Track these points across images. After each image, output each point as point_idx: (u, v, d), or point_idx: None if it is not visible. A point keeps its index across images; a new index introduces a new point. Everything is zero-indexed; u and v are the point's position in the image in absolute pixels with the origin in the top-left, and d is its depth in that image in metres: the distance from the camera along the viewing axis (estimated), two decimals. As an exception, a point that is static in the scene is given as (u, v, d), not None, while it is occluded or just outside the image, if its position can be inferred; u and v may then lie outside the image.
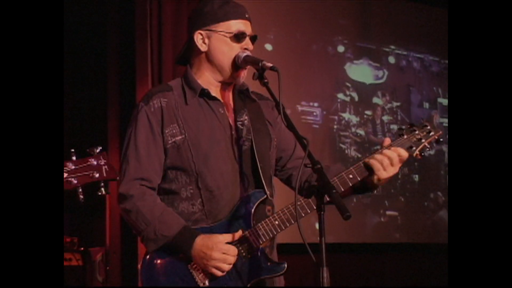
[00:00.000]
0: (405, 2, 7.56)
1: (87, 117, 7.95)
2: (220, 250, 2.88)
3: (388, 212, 7.22)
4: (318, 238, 2.54)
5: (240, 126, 3.08)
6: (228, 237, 2.93)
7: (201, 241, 2.89)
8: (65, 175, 2.79)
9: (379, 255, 6.98)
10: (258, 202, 2.99)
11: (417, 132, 3.04)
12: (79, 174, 2.82)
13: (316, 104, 6.90)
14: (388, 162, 2.93)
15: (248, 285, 2.92)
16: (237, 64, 3.04)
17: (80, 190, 2.83)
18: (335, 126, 7.00)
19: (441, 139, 3.06)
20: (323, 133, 6.91)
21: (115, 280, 6.30)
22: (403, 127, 3.06)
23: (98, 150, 2.88)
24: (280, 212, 2.97)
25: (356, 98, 7.17)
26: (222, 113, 3.08)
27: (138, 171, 3.01)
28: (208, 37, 3.08)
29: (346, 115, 7.09)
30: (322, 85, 6.98)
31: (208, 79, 3.10)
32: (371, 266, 6.89)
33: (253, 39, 3.11)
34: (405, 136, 3.03)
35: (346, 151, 7.02)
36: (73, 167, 2.82)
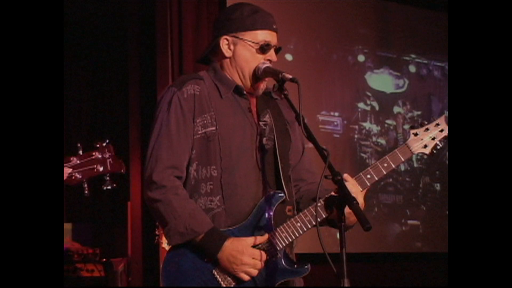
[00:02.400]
0: (425, 10, 7.54)
1: (108, 127, 8.00)
2: (250, 255, 2.87)
3: (409, 221, 7.18)
4: (339, 249, 2.55)
5: (263, 126, 3.09)
6: (254, 240, 2.91)
7: (230, 245, 2.87)
8: (70, 170, 2.78)
9: (401, 264, 6.95)
10: (277, 204, 2.98)
11: (429, 130, 3.10)
12: (83, 169, 2.81)
13: (336, 114, 6.90)
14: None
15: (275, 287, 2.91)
16: (256, 75, 3.05)
17: (86, 185, 2.82)
18: (355, 136, 6.99)
19: None
20: (343, 143, 6.90)
21: (137, 291, 6.33)
22: (416, 128, 3.11)
23: (104, 144, 2.86)
24: (301, 214, 2.96)
25: (377, 107, 7.16)
26: (249, 112, 3.09)
27: (171, 159, 2.95)
28: (234, 44, 3.08)
29: (366, 125, 7.07)
30: (342, 94, 6.98)
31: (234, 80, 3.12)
32: (392, 276, 6.85)
33: (277, 50, 3.11)
34: (419, 135, 3.09)
35: (367, 161, 6.99)
36: (78, 162, 2.80)
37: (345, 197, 2.57)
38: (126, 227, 6.66)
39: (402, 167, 7.19)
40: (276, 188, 3.03)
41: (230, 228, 2.95)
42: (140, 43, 6.66)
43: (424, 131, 3.10)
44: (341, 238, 2.55)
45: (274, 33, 3.10)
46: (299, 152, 3.23)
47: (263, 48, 3.05)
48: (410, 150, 3.08)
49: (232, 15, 3.09)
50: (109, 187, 2.88)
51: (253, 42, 3.05)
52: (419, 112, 7.38)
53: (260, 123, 3.09)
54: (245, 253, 2.86)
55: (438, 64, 7.57)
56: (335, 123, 6.87)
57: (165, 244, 4.88)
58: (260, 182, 3.02)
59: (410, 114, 7.33)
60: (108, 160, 2.84)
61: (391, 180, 7.07)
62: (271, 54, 3.08)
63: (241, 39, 3.07)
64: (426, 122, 3.12)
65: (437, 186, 7.36)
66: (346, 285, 2.50)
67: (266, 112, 3.13)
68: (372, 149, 7.06)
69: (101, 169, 2.83)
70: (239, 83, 3.10)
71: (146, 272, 6.28)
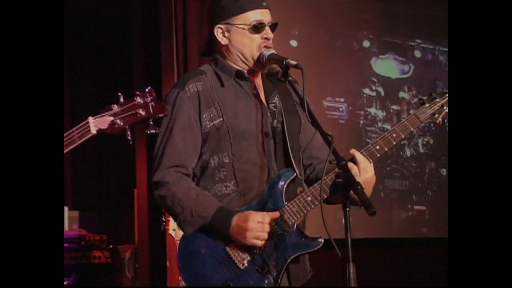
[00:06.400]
0: (430, -5, 7.52)
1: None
2: (255, 220, 2.89)
3: (416, 207, 7.19)
4: (344, 234, 2.56)
5: (273, 108, 3.11)
6: (263, 214, 2.93)
7: (237, 219, 2.91)
8: (111, 118, 2.72)
9: (407, 250, 6.97)
10: (289, 180, 3.00)
11: (437, 99, 3.09)
12: (125, 115, 2.76)
13: (342, 100, 6.90)
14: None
15: (288, 261, 2.92)
16: (261, 62, 3.06)
17: (129, 132, 2.76)
18: (361, 121, 6.99)
19: None
20: (349, 129, 6.90)
21: (144, 277, 6.35)
22: (424, 97, 3.10)
23: (146, 90, 2.79)
24: (312, 188, 2.98)
25: (382, 93, 7.16)
26: (256, 94, 3.11)
27: (173, 160, 3.01)
28: (228, 31, 3.11)
29: (372, 110, 7.08)
30: (347, 80, 6.98)
31: (235, 66, 3.13)
32: (398, 261, 6.87)
33: (273, 26, 3.12)
34: (427, 105, 3.08)
35: (373, 146, 6.99)
36: (118, 109, 2.76)
37: (350, 182, 2.58)
38: (132, 214, 6.69)
39: (408, 153, 7.19)
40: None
41: (243, 208, 2.98)
42: (145, 32, 6.66)
43: (432, 100, 3.08)
44: (346, 223, 2.57)
45: (266, 10, 3.11)
46: (311, 131, 3.23)
47: (256, 28, 3.06)
48: (419, 119, 3.07)
49: (221, 3, 3.12)
50: (152, 131, 2.81)
51: (245, 25, 3.07)
52: (424, 97, 7.36)
53: (270, 105, 3.12)
54: (249, 220, 2.89)
55: (444, 49, 7.55)
56: (341, 109, 6.87)
57: (171, 231, 4.90)
58: (273, 162, 3.05)
59: (415, 100, 7.32)
60: (150, 104, 2.75)
61: (397, 166, 7.08)
62: (267, 31, 3.09)
63: (233, 24, 3.09)
64: (433, 93, 3.10)
65: (443, 172, 7.36)
66: (351, 270, 2.51)
67: (275, 93, 3.16)
68: (377, 134, 7.05)
69: (143, 113, 2.75)
70: (243, 67, 3.12)
71: (153, 259, 6.31)
